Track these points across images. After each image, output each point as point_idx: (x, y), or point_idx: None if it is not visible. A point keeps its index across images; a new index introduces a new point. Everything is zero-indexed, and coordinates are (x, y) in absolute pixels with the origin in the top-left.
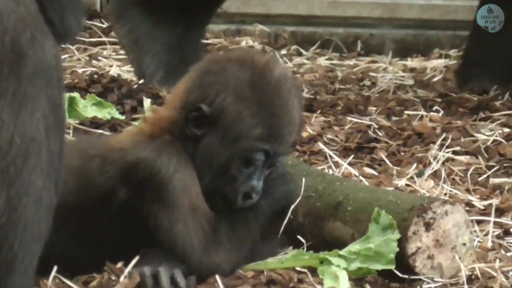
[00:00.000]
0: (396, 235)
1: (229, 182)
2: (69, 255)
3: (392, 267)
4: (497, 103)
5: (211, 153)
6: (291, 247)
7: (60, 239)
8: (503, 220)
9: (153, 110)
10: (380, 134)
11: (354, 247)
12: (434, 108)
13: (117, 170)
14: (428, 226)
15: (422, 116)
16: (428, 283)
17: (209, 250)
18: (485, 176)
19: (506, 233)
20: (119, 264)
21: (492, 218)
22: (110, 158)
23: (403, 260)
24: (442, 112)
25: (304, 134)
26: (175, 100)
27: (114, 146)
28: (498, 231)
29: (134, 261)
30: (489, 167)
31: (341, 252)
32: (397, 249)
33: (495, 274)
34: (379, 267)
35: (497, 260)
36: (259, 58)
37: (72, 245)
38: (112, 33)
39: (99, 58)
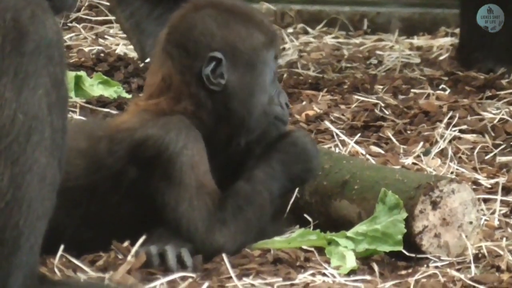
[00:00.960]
0: (403, 215)
1: (272, 102)
2: (79, 238)
3: (399, 248)
4: (504, 82)
5: (247, 86)
6: (297, 226)
7: (70, 223)
8: (509, 198)
9: (136, 102)
10: (387, 112)
11: (361, 228)
12: (440, 87)
13: (126, 149)
14: (434, 205)
15: (428, 95)
16: (434, 261)
17: (213, 230)
18: (491, 154)
19: None
20: (126, 243)
21: (498, 197)
22: (118, 138)
23: (409, 238)
24: (448, 90)
25: (311, 113)
26: (171, 77)
27: (121, 127)
28: (505, 210)
29: (141, 240)
30: (496, 146)
31: (348, 234)
32: (405, 230)
33: (501, 252)
34: (387, 248)
35: (504, 239)
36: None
37: (83, 228)
38: None
39: (106, 36)
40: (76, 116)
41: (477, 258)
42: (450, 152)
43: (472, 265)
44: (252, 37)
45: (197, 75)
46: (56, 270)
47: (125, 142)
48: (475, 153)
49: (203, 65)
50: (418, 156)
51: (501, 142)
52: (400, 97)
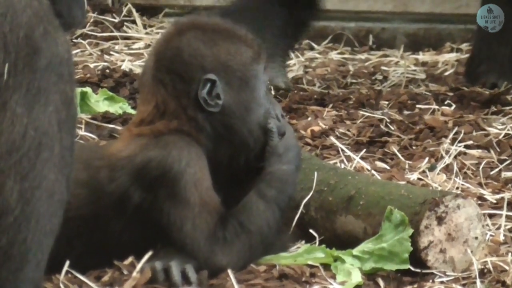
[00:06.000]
0: (409, 231)
1: (268, 116)
2: (79, 266)
3: (406, 266)
4: (509, 97)
5: (243, 103)
6: (303, 241)
7: (72, 251)
8: None
9: (128, 129)
10: (392, 128)
11: (367, 246)
12: (446, 102)
13: (128, 174)
14: (440, 220)
15: (434, 110)
16: (440, 277)
17: (215, 251)
18: (497, 169)
19: None
20: (130, 259)
21: (504, 212)
22: (119, 165)
23: (415, 254)
24: (453, 106)
25: (316, 128)
26: (165, 104)
27: (119, 155)
28: (510, 225)
29: (146, 256)
30: (501, 161)
31: (355, 252)
32: (411, 249)
33: (507, 267)
34: (394, 267)
35: (509, 254)
36: (182, 22)
37: (85, 256)
38: (124, 28)
39: (111, 52)
40: (82, 132)
41: (482, 273)
42: (455, 168)
43: (478, 281)
44: (241, 53)
45: (194, 98)
46: (61, 286)
47: (126, 168)
48: (480, 168)
49: (199, 88)
50: (424, 171)
51: (507, 158)
52: (406, 112)
